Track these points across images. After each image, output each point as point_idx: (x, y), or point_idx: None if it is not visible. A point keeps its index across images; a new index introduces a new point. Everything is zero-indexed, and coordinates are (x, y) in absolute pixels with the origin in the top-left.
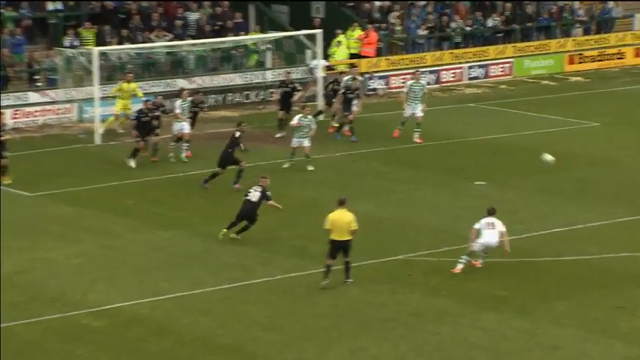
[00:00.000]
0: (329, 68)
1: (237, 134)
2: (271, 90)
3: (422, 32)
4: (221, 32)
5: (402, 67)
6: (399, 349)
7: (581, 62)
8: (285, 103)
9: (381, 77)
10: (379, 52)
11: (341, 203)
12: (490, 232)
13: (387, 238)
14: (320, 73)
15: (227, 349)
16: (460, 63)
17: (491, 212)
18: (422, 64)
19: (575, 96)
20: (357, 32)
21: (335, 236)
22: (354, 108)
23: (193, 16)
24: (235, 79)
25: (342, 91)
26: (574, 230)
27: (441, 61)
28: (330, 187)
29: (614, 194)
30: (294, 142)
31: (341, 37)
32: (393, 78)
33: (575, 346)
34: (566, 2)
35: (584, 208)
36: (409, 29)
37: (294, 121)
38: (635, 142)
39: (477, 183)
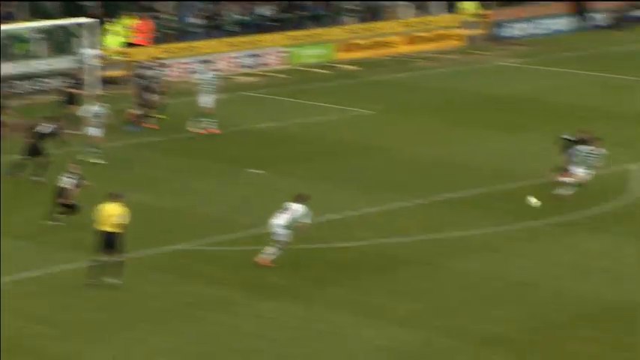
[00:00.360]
0: (102, 57)
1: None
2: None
3: (196, 21)
4: None
5: (176, 55)
6: (177, 339)
7: (353, 50)
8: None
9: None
10: (155, 40)
11: (114, 197)
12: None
13: (164, 228)
14: (93, 62)
15: (6, 343)
16: (234, 51)
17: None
18: (196, 53)
19: (349, 84)
20: (132, 21)
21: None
22: (153, 98)
23: None
24: (5, 68)
25: (139, 81)
26: (346, 217)
27: (215, 49)
28: (107, 177)
29: (386, 181)
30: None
31: (114, 26)
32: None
33: (350, 331)
34: None
35: (356, 195)
36: (183, 18)
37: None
38: (407, 129)
39: (252, 171)
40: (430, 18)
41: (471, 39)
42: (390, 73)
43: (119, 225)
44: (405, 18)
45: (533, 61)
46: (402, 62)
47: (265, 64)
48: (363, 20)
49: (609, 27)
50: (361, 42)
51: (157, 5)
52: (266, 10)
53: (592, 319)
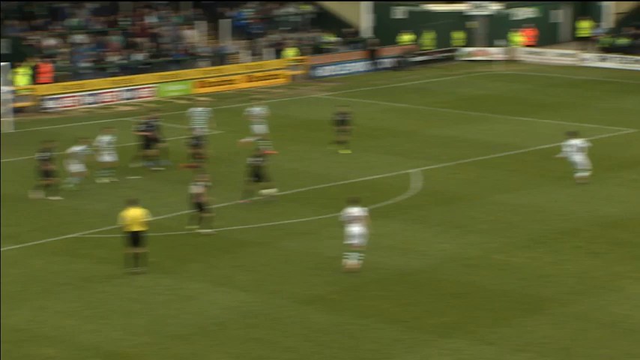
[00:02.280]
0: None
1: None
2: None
3: (85, 64)
4: None
5: (70, 90)
6: (74, 305)
7: (206, 86)
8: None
9: (53, 98)
10: (55, 80)
11: (133, 202)
12: None
13: (62, 220)
14: (8, 96)
15: None
16: (116, 87)
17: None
18: (85, 89)
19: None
20: (35, 64)
21: (131, 228)
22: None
23: None
24: None
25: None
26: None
27: (101, 86)
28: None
29: (233, 183)
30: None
31: (21, 68)
32: (65, 99)
33: (207, 296)
34: (194, 42)
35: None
36: (76, 62)
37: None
38: (247, 145)
39: (131, 178)
40: (263, 62)
41: (294, 77)
42: (234, 104)
43: (144, 224)
44: (245, 62)
45: (338, 94)
46: (242, 95)
47: (139, 97)
48: (214, 64)
49: (393, 68)
50: (212, 80)
51: (53, 52)
52: (140, 56)
53: (382, 282)
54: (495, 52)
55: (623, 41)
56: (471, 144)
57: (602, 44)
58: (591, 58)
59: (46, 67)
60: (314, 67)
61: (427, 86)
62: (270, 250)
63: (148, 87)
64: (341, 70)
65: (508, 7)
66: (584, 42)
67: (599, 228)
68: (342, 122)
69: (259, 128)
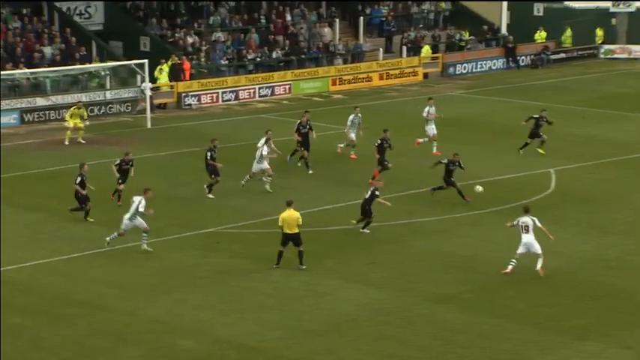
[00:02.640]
0: (156, 89)
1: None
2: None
3: (223, 62)
4: (69, 62)
5: (209, 87)
6: (210, 299)
7: (341, 84)
8: (305, 142)
9: (194, 95)
10: (192, 77)
11: (289, 204)
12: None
13: (200, 215)
14: (148, 92)
15: (80, 302)
16: (253, 84)
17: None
18: (224, 86)
19: (338, 108)
20: (176, 62)
21: (286, 230)
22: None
23: (48, 50)
24: (82, 97)
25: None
26: (338, 207)
27: (238, 83)
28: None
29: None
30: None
31: (163, 65)
32: (203, 96)
33: (340, 292)
34: (331, 40)
35: (345, 190)
36: (214, 59)
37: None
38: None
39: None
40: (398, 59)
41: (428, 75)
42: (368, 101)
43: (298, 226)
44: (379, 60)
45: (474, 92)
46: (376, 92)
47: (275, 94)
48: (349, 61)
49: (531, 66)
50: (347, 77)
51: (194, 50)
52: (277, 54)
53: (518, 282)
54: (638, 50)
55: None
56: (610, 143)
57: None
58: None
59: (187, 65)
60: (449, 65)
61: (565, 84)
62: (403, 248)
63: (284, 84)
64: (476, 68)
65: None
66: None
67: None
68: (538, 125)
69: (431, 129)
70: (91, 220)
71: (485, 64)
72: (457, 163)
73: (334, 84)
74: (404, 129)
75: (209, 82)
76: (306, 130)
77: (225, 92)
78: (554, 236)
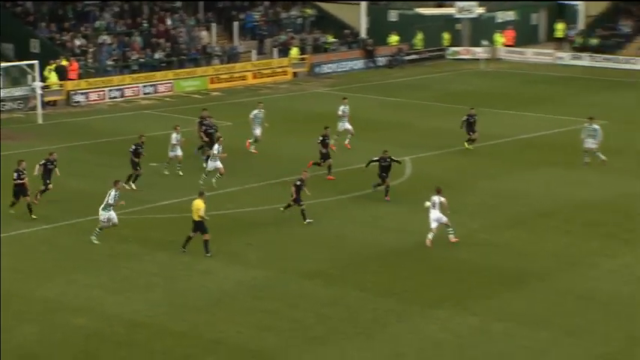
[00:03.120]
0: (46, 87)
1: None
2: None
3: (110, 62)
4: None
5: (97, 86)
6: (101, 279)
7: (218, 82)
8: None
9: (82, 93)
10: (80, 76)
11: (200, 194)
12: None
13: (91, 203)
14: (38, 91)
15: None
16: (137, 83)
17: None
18: (110, 84)
19: (216, 105)
20: (64, 62)
21: (193, 217)
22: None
23: None
24: None
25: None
26: (218, 194)
27: (124, 82)
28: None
29: (245, 169)
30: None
31: (52, 66)
32: (91, 94)
33: (221, 272)
34: (208, 42)
35: (224, 178)
36: (101, 60)
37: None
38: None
39: (152, 165)
40: (269, 60)
41: (297, 74)
42: (243, 98)
43: (203, 215)
44: (252, 60)
45: (337, 89)
46: (250, 90)
47: (158, 92)
48: (225, 62)
49: (387, 66)
50: (223, 76)
51: (81, 52)
52: (159, 55)
53: (380, 258)
54: (479, 52)
55: (594, 41)
56: (456, 135)
57: (576, 44)
58: (566, 57)
59: (75, 65)
60: (315, 65)
61: (418, 82)
62: (278, 230)
63: (166, 83)
64: (340, 68)
65: (491, 11)
66: (560, 42)
67: (574, 210)
68: (470, 123)
69: (342, 125)
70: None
71: (347, 65)
72: (389, 159)
73: (212, 82)
74: (278, 123)
75: (96, 81)
76: (211, 131)
77: (111, 90)
78: (415, 216)
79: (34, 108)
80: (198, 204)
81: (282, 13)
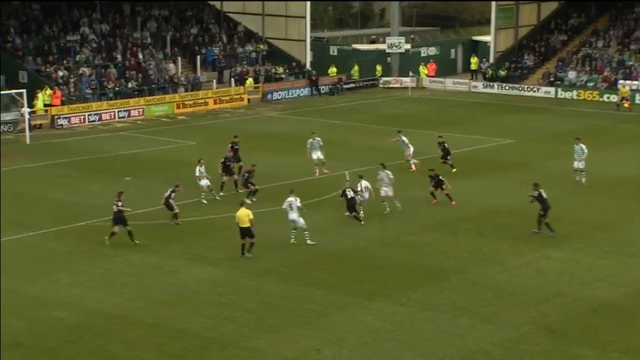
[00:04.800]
0: (33, 112)
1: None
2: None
3: (89, 91)
4: None
5: (78, 111)
6: (80, 278)
7: (184, 107)
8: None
9: (65, 118)
10: (63, 103)
11: (241, 204)
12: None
13: (73, 212)
14: (26, 116)
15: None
16: (113, 108)
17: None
18: (89, 110)
19: (182, 127)
20: (49, 91)
21: (240, 224)
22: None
23: None
24: None
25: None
26: (186, 203)
27: (101, 107)
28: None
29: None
30: None
31: (39, 94)
32: (72, 118)
33: (186, 270)
34: (175, 73)
35: (192, 190)
36: (81, 89)
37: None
38: (216, 152)
39: (127, 179)
40: (228, 88)
41: (251, 101)
42: (205, 120)
43: (250, 221)
44: (213, 88)
45: (287, 113)
46: (212, 114)
47: (131, 116)
48: (189, 90)
49: (329, 93)
50: (188, 102)
51: (63, 81)
52: (132, 84)
53: (320, 258)
54: (407, 81)
55: (502, 72)
56: (388, 151)
57: (488, 75)
58: (479, 86)
59: (58, 93)
60: (268, 92)
61: (355, 107)
62: (234, 233)
63: (138, 108)
64: (289, 95)
65: (416, 46)
66: (474, 73)
67: (487, 215)
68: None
69: (316, 154)
70: None
71: (295, 92)
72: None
73: (178, 107)
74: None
75: (77, 106)
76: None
77: (90, 115)
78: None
79: (22, 130)
80: (245, 212)
81: (238, 48)
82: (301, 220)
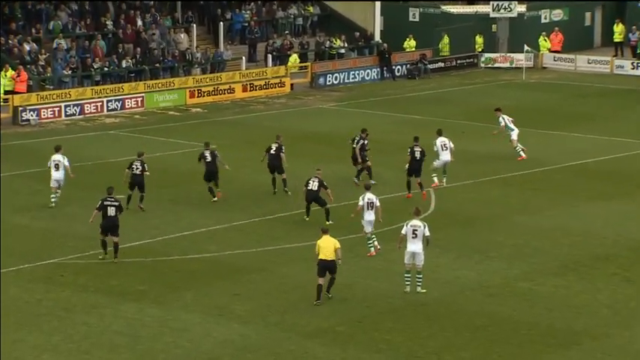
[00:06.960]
0: None
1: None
2: None
3: (66, 72)
4: None
5: (50, 101)
6: (53, 338)
7: (200, 96)
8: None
9: (32, 110)
10: (30, 89)
11: (324, 231)
12: None
13: (41, 245)
14: None
15: None
16: (100, 97)
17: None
18: (67, 99)
19: (197, 123)
20: (10, 72)
21: (322, 256)
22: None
23: None
24: None
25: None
26: (197, 233)
27: (83, 95)
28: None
29: (231, 203)
30: None
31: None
32: (43, 110)
33: (201, 328)
34: (187, 47)
35: (204, 214)
36: (56, 69)
37: None
38: (251, 160)
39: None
40: (262, 69)
41: (296, 87)
42: (230, 115)
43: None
44: (242, 69)
45: (345, 104)
46: (239, 106)
47: (125, 108)
48: (208, 71)
49: (407, 76)
50: (206, 89)
51: (31, 59)
52: (126, 63)
53: (396, 313)
54: (520, 59)
55: None
56: (491, 160)
57: (639, 50)
58: (626, 65)
59: (24, 76)
60: (319, 75)
61: (443, 96)
62: (269, 277)
63: (135, 97)
64: (349, 79)
65: (534, 9)
66: (619, 47)
67: (633, 253)
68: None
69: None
70: None
71: (358, 74)
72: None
73: (192, 96)
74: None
75: (50, 94)
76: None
77: (68, 106)
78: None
79: None
80: (331, 241)
81: (278, 12)
82: (422, 257)
